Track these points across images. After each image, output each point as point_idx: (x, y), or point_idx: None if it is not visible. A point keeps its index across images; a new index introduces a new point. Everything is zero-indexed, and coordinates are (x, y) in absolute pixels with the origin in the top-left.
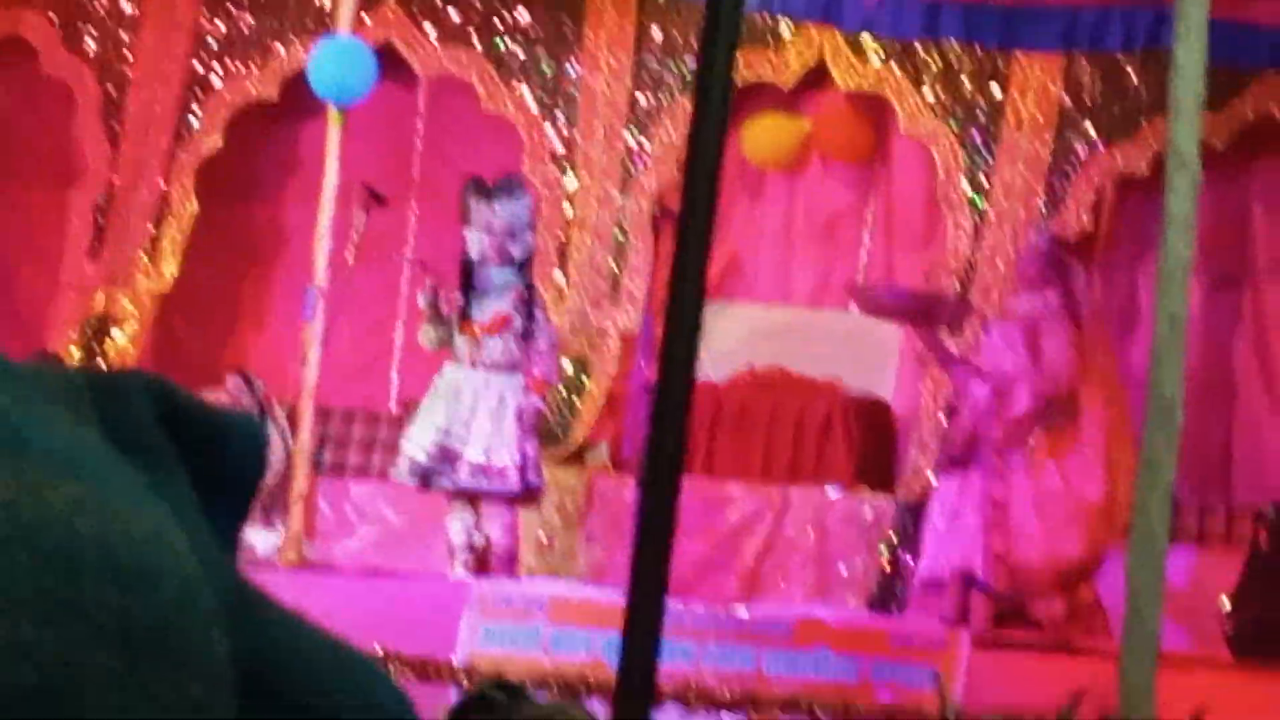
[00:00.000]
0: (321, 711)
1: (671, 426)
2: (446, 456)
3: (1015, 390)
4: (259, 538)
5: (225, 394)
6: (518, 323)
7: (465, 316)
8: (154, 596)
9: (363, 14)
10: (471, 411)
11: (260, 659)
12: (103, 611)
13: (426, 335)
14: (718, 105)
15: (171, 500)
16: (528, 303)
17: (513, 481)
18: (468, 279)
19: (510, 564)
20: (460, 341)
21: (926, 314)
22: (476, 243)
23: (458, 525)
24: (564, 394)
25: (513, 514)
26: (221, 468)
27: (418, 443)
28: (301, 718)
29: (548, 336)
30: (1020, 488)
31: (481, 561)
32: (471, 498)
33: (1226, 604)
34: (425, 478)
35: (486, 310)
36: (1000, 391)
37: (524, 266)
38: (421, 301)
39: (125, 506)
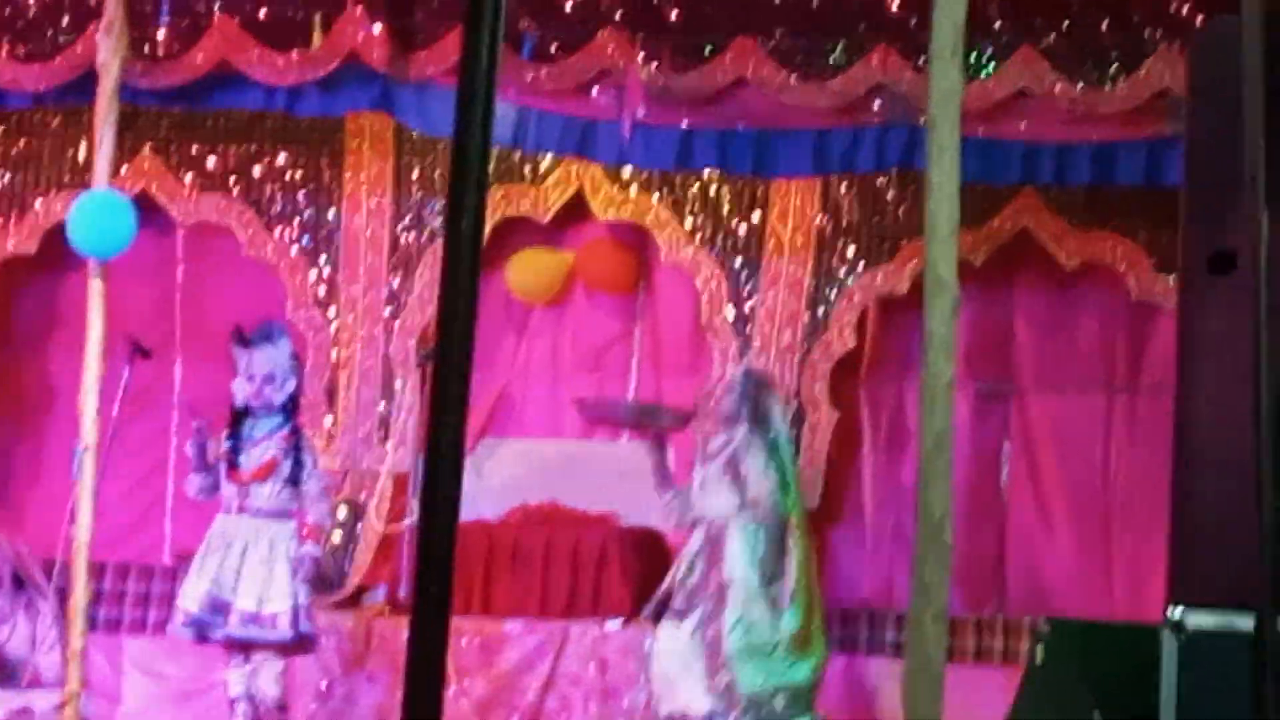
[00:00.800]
0: None
1: (436, 564)
2: (218, 607)
3: (728, 534)
4: (38, 697)
5: None
6: (285, 468)
7: (233, 465)
8: None
9: (121, 165)
10: (242, 559)
11: None
12: None
13: (193, 484)
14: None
15: None
16: (295, 448)
17: (284, 629)
18: (235, 427)
19: (283, 714)
20: (228, 489)
21: (647, 422)
22: (240, 390)
23: (235, 676)
24: (338, 537)
25: (285, 663)
26: None
27: (191, 595)
28: None
29: (317, 481)
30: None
31: (259, 714)
32: (245, 648)
33: None
34: (200, 629)
35: (253, 457)
36: (712, 538)
37: (289, 411)
38: (189, 449)
39: None
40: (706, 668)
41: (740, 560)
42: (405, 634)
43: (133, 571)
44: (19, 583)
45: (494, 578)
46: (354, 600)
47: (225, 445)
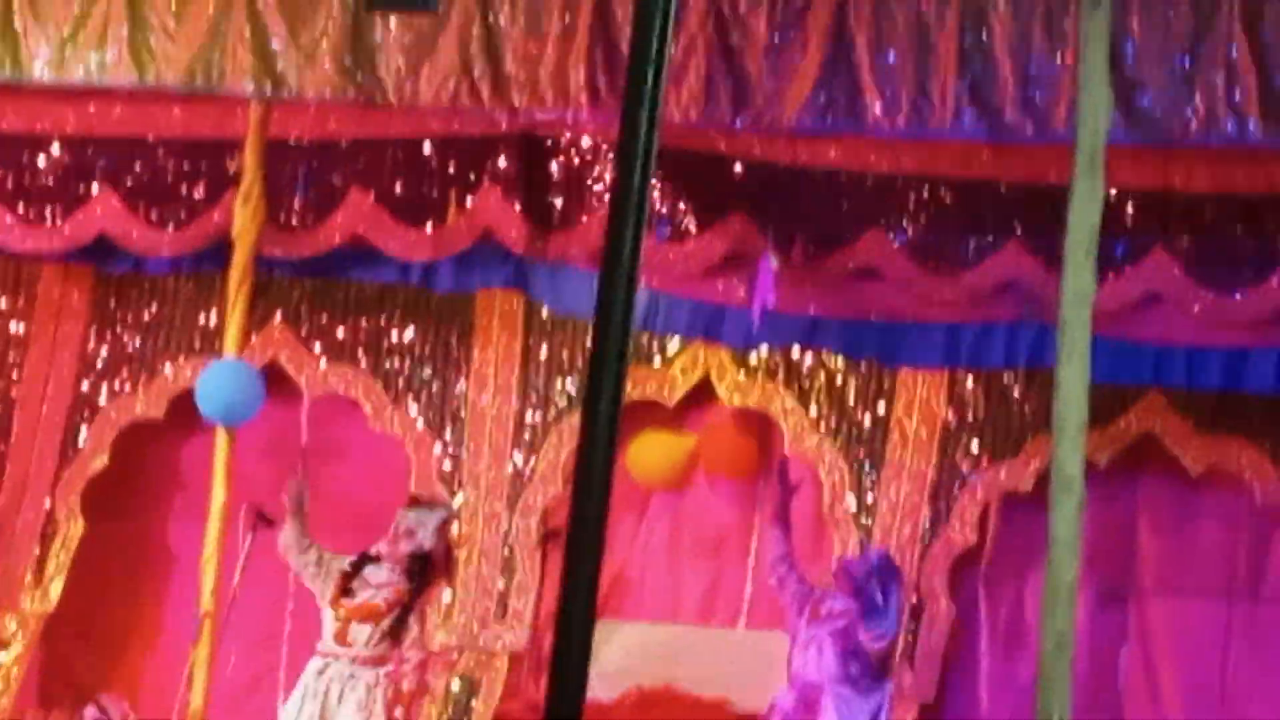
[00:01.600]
0: None
1: None
2: None
3: (820, 699)
4: None
5: None
6: (387, 622)
7: (345, 593)
8: None
9: (250, 333)
10: (340, 703)
11: None
12: None
13: (286, 534)
14: (606, 422)
15: None
16: (404, 608)
17: None
18: (359, 564)
19: None
20: (327, 621)
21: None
22: (381, 544)
23: None
24: (452, 714)
25: None
26: None
27: None
28: None
29: (419, 647)
30: None
31: None
32: None
33: None
34: None
35: (362, 596)
36: (807, 700)
37: (412, 573)
38: (289, 493)
39: None
40: None
41: None
42: None
43: None
44: None
45: None
46: None
47: (345, 568)
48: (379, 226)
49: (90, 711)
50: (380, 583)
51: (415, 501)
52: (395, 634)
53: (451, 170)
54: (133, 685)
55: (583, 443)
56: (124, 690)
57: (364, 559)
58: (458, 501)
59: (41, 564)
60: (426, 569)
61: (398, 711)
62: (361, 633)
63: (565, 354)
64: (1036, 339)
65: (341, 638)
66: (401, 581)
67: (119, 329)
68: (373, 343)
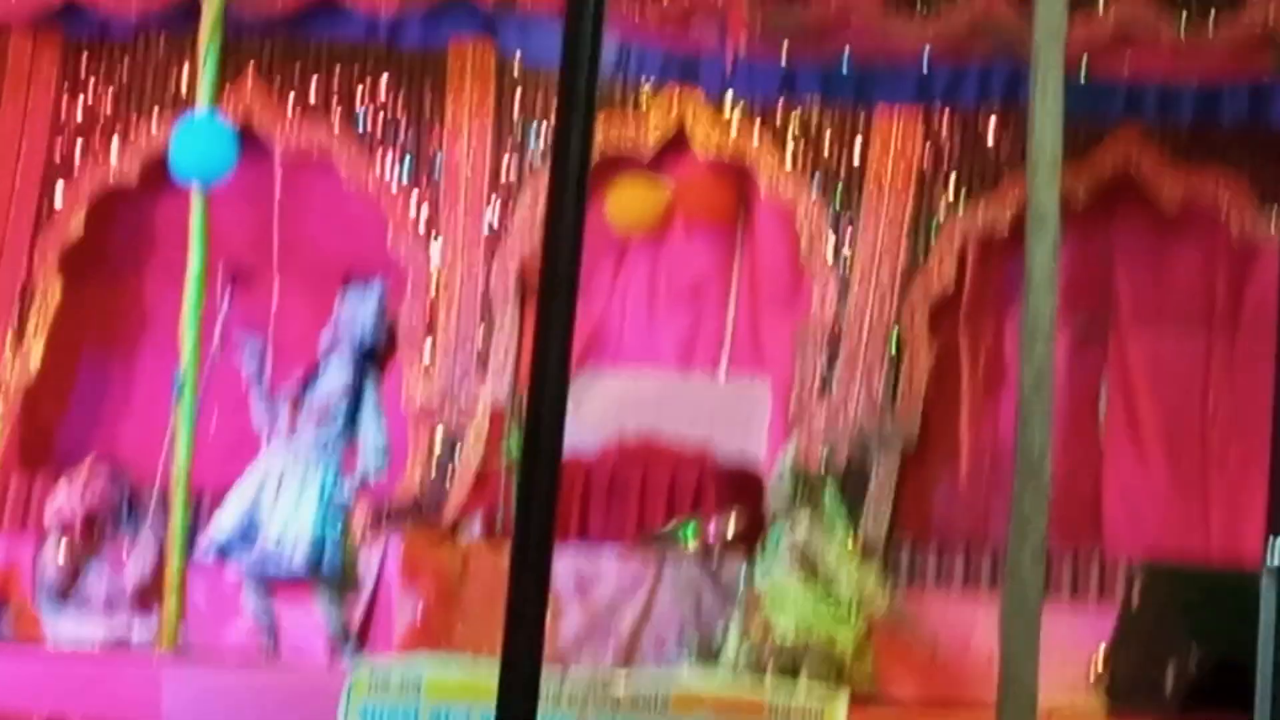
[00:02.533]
0: None
1: (539, 498)
2: (244, 537)
3: None
4: (135, 626)
5: (91, 483)
6: (341, 411)
7: (298, 400)
8: None
9: (222, 91)
10: (275, 494)
11: None
12: None
13: (257, 414)
14: (575, 174)
15: None
16: (358, 395)
17: (298, 562)
18: (312, 368)
19: (275, 641)
20: (285, 421)
21: None
22: (326, 336)
23: (251, 603)
24: (435, 469)
25: (289, 590)
26: None
27: (222, 521)
28: None
29: (376, 429)
30: None
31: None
32: (262, 580)
33: (1101, 659)
34: (223, 555)
35: (316, 397)
36: None
37: (364, 359)
38: (249, 363)
39: None
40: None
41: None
42: (502, 564)
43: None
44: (130, 510)
45: (590, 510)
46: (451, 530)
47: (300, 380)
48: None
49: (98, 471)
50: (331, 387)
51: (345, 282)
52: (351, 426)
53: None
54: (115, 448)
55: (552, 192)
56: (106, 453)
57: (311, 374)
58: (434, 257)
59: (20, 329)
60: (373, 357)
61: (347, 488)
62: (314, 431)
63: (539, 106)
64: (1011, 78)
65: (292, 435)
66: (349, 376)
67: (90, 93)
68: (346, 99)
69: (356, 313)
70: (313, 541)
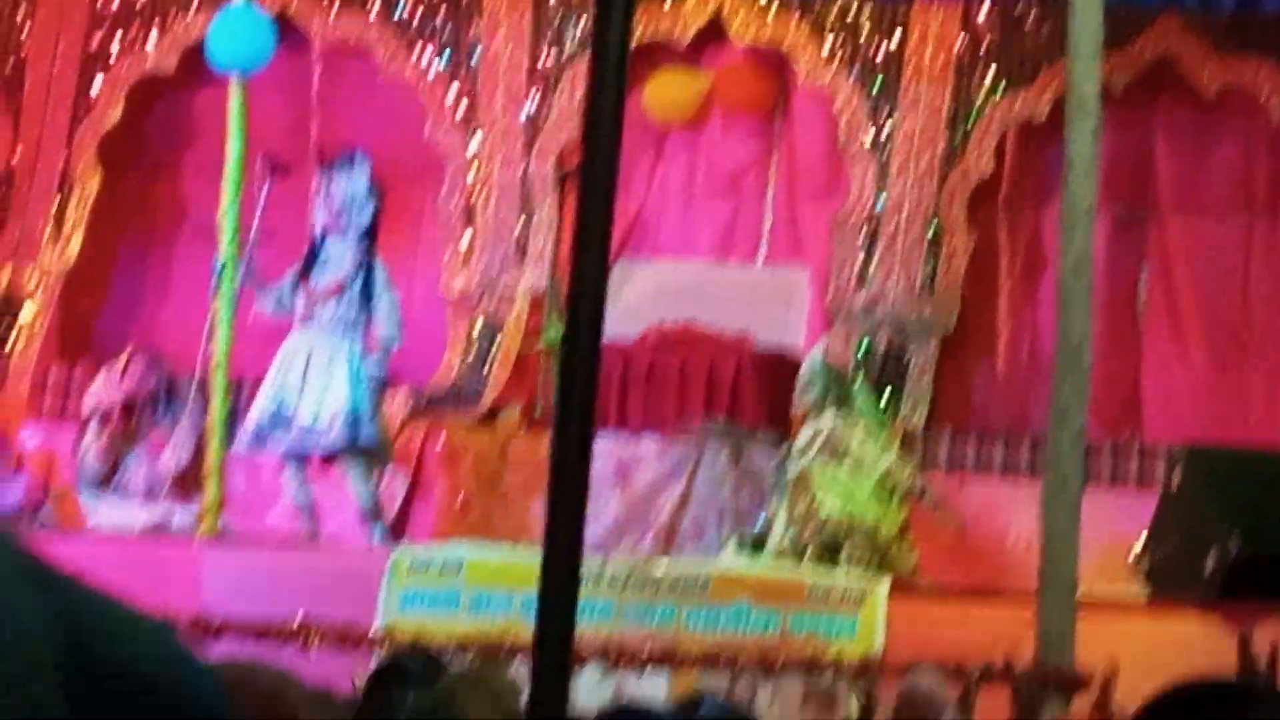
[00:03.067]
0: (134, 686)
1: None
2: (279, 420)
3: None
4: (175, 513)
5: (130, 373)
6: (354, 289)
7: (304, 281)
8: None
9: None
10: (303, 376)
11: (71, 630)
12: None
13: (263, 302)
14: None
15: None
16: (366, 268)
17: (337, 435)
18: (312, 248)
19: (377, 519)
20: (300, 304)
21: None
22: (319, 215)
23: (291, 484)
24: (474, 357)
25: (325, 473)
26: None
27: (256, 409)
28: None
29: (388, 300)
30: None
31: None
32: (302, 459)
33: (1140, 545)
34: (260, 442)
35: (324, 278)
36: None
37: (365, 235)
38: (242, 274)
39: None
40: None
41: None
42: (540, 451)
43: None
44: (168, 399)
45: (629, 398)
46: (489, 417)
47: (301, 263)
48: None
49: (139, 359)
50: (339, 266)
51: (328, 161)
52: (365, 300)
53: None
54: (154, 338)
55: (592, 81)
56: (145, 342)
57: (315, 243)
58: (473, 147)
59: (59, 219)
60: (371, 232)
61: (372, 360)
62: (328, 307)
63: None
64: None
65: (312, 317)
66: (355, 248)
67: None
68: None
69: (349, 190)
70: (346, 416)
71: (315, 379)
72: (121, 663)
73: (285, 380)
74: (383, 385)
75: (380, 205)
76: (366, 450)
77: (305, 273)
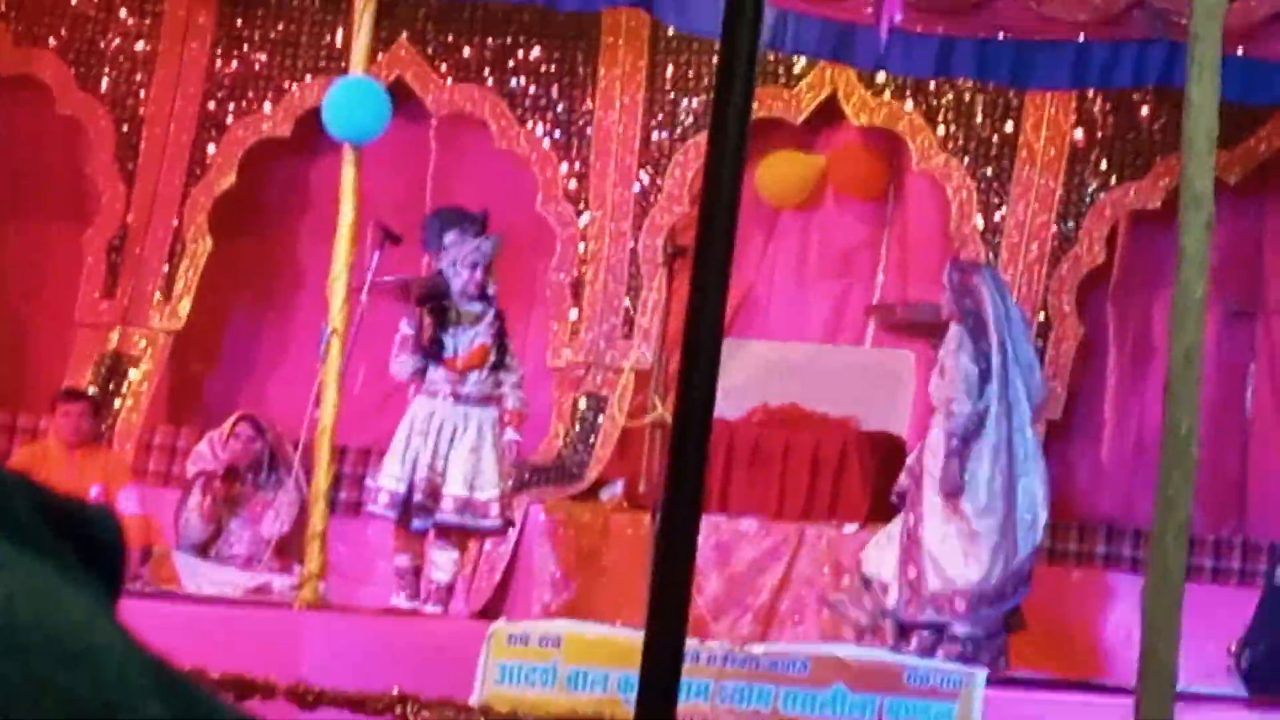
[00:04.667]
0: None
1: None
2: (428, 491)
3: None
4: (275, 579)
5: (236, 439)
6: (493, 355)
7: (439, 348)
8: (97, 675)
9: (377, 52)
10: (452, 446)
11: None
12: (53, 692)
13: (405, 365)
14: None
15: (81, 586)
16: (500, 334)
17: (495, 517)
18: (442, 313)
19: (448, 601)
20: (438, 375)
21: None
22: (455, 275)
23: (443, 560)
24: (578, 431)
25: (464, 552)
26: (89, 551)
27: (392, 474)
28: None
29: (517, 370)
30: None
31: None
32: (451, 534)
33: (1240, 641)
34: (404, 511)
35: (464, 343)
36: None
37: (492, 300)
38: (404, 329)
39: (53, 593)
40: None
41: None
42: (642, 528)
43: (374, 456)
44: (272, 464)
45: (732, 477)
46: (591, 493)
47: (431, 330)
48: None
49: (243, 426)
50: (472, 321)
51: (444, 220)
52: (499, 365)
53: None
54: (261, 403)
55: (710, 159)
56: (252, 407)
57: (440, 307)
58: (583, 221)
59: (170, 282)
60: (494, 292)
61: (509, 433)
62: (473, 377)
63: (691, 72)
64: (1167, 57)
65: (455, 388)
66: (489, 314)
67: (246, 47)
68: (499, 61)
69: (483, 250)
70: (501, 495)
71: (464, 454)
72: None
73: (430, 452)
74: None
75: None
76: (507, 529)
77: (437, 336)
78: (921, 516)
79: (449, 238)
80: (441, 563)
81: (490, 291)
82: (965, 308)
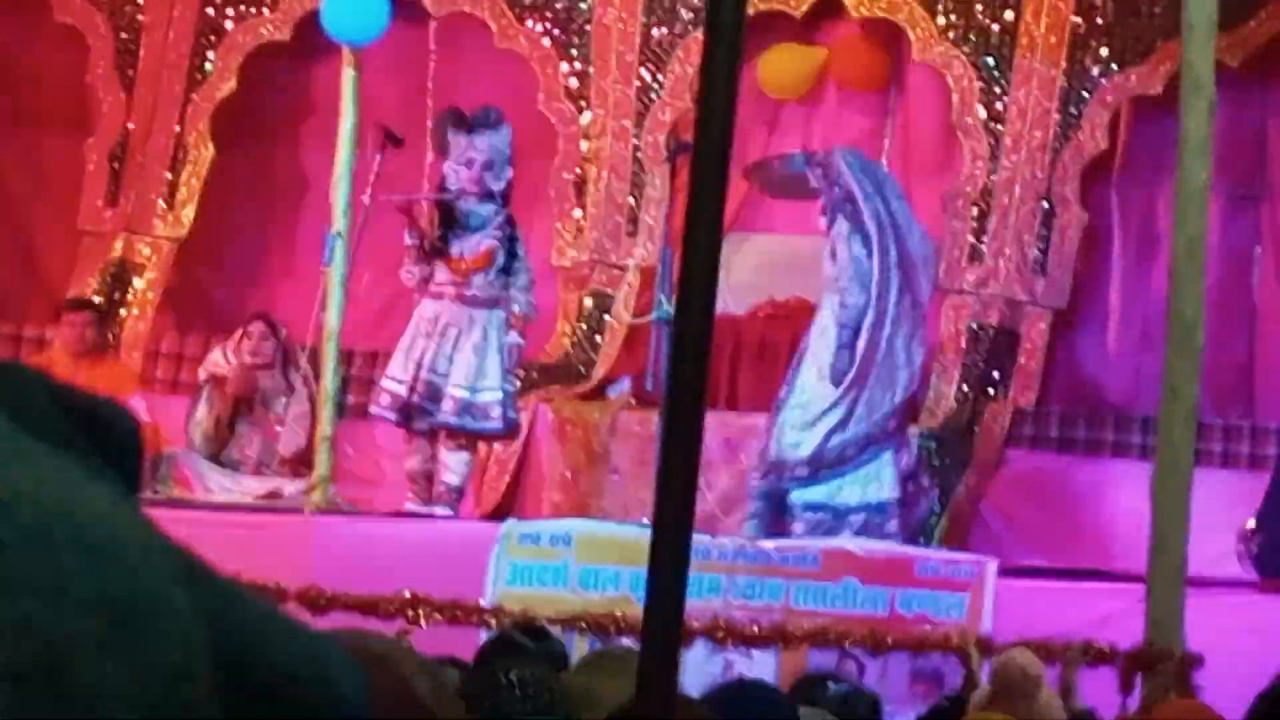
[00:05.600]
0: (280, 689)
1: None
2: (430, 394)
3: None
4: (286, 485)
5: (248, 339)
6: (500, 258)
7: (445, 250)
8: (122, 565)
9: None
10: (455, 347)
11: (219, 628)
12: (80, 582)
13: (413, 275)
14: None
15: (101, 478)
16: (510, 238)
17: (497, 419)
18: (448, 214)
19: (459, 500)
20: (442, 274)
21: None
22: (455, 176)
23: (454, 462)
24: (584, 330)
25: (474, 454)
26: (107, 447)
27: (394, 376)
28: (259, 692)
29: (527, 272)
30: None
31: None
32: (456, 435)
33: (1251, 525)
34: (406, 413)
35: (470, 245)
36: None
37: (504, 200)
38: (408, 239)
39: (75, 484)
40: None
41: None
42: (650, 426)
43: (381, 359)
44: (284, 368)
45: (739, 373)
46: (599, 392)
47: (435, 232)
48: None
49: (257, 326)
50: (480, 222)
51: (462, 121)
52: (508, 269)
53: None
54: (267, 308)
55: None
56: (260, 312)
57: (448, 206)
58: (585, 119)
59: (173, 190)
60: (509, 197)
61: (514, 336)
62: (478, 279)
63: None
64: None
65: (460, 290)
66: (499, 212)
67: None
68: None
69: (492, 149)
70: (504, 399)
71: (467, 355)
72: (273, 673)
73: (432, 353)
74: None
75: (517, 168)
76: (513, 433)
77: (443, 239)
78: (791, 391)
79: (449, 137)
80: (452, 464)
81: (496, 189)
82: (836, 196)
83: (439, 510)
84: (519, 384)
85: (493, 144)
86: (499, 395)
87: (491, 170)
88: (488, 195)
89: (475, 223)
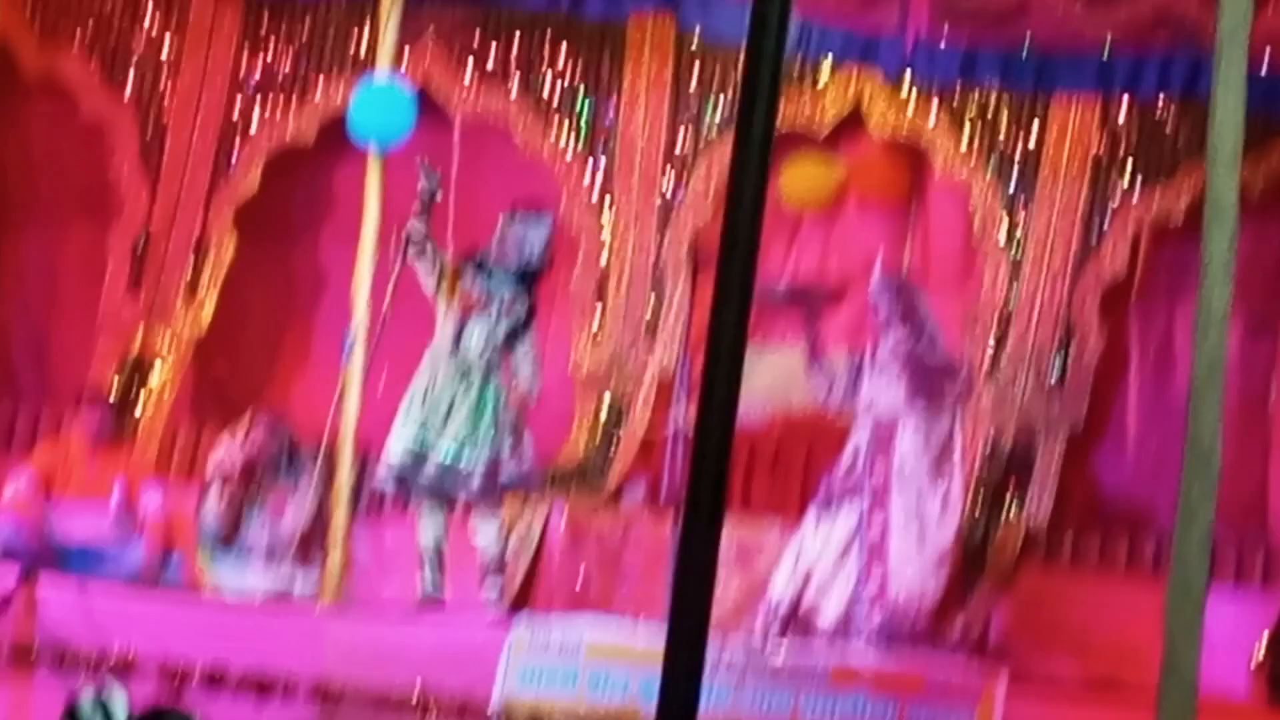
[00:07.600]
0: None
1: (712, 468)
2: (419, 457)
3: (895, 431)
4: (298, 577)
5: (252, 433)
6: (501, 329)
7: (455, 275)
8: None
9: (403, 55)
10: (447, 413)
11: None
12: None
13: (416, 229)
14: (758, 147)
15: None
16: (516, 320)
17: (474, 483)
18: (478, 265)
19: (501, 574)
20: (441, 314)
21: (800, 302)
22: (492, 249)
23: (427, 523)
24: (600, 435)
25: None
26: None
27: (393, 448)
28: None
29: (533, 350)
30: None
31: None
32: (440, 498)
33: (1264, 646)
34: (401, 481)
35: (477, 288)
36: (881, 437)
37: (524, 282)
38: (422, 181)
39: None
40: (861, 568)
41: (911, 454)
42: (664, 533)
43: None
44: (290, 462)
45: (754, 482)
46: (614, 498)
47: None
48: None
49: (261, 423)
50: (496, 283)
51: (513, 214)
52: (509, 343)
53: None
54: (284, 405)
55: (734, 164)
56: (273, 407)
57: (472, 264)
58: (606, 227)
59: (194, 284)
60: (534, 286)
61: (509, 414)
62: (476, 334)
63: (716, 80)
64: (1191, 69)
65: (455, 342)
66: (514, 290)
67: (270, 51)
68: (524, 67)
69: (527, 236)
70: (490, 458)
71: (458, 416)
72: None
73: (425, 416)
74: (519, 433)
75: (544, 271)
76: (506, 494)
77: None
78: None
79: (500, 226)
80: (484, 531)
81: (516, 267)
82: (903, 310)
83: (488, 584)
84: (535, 488)
85: (527, 231)
86: (484, 465)
87: (520, 250)
88: (509, 266)
89: (495, 283)
